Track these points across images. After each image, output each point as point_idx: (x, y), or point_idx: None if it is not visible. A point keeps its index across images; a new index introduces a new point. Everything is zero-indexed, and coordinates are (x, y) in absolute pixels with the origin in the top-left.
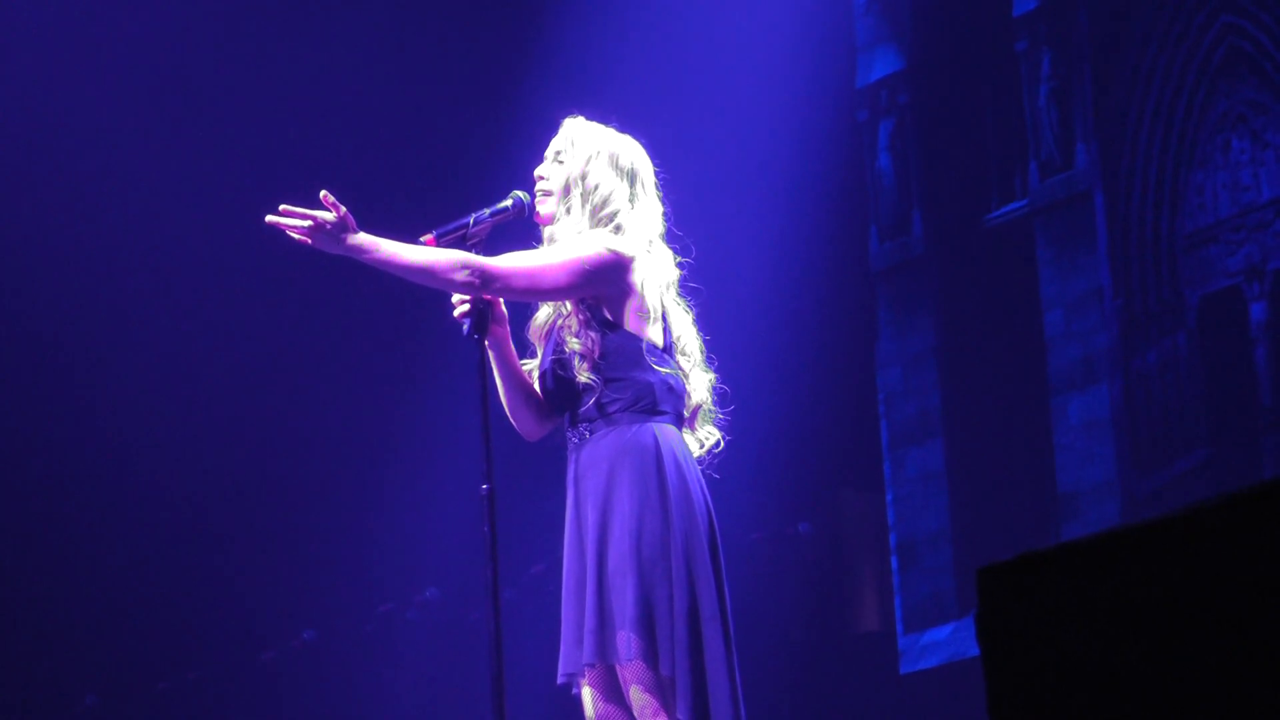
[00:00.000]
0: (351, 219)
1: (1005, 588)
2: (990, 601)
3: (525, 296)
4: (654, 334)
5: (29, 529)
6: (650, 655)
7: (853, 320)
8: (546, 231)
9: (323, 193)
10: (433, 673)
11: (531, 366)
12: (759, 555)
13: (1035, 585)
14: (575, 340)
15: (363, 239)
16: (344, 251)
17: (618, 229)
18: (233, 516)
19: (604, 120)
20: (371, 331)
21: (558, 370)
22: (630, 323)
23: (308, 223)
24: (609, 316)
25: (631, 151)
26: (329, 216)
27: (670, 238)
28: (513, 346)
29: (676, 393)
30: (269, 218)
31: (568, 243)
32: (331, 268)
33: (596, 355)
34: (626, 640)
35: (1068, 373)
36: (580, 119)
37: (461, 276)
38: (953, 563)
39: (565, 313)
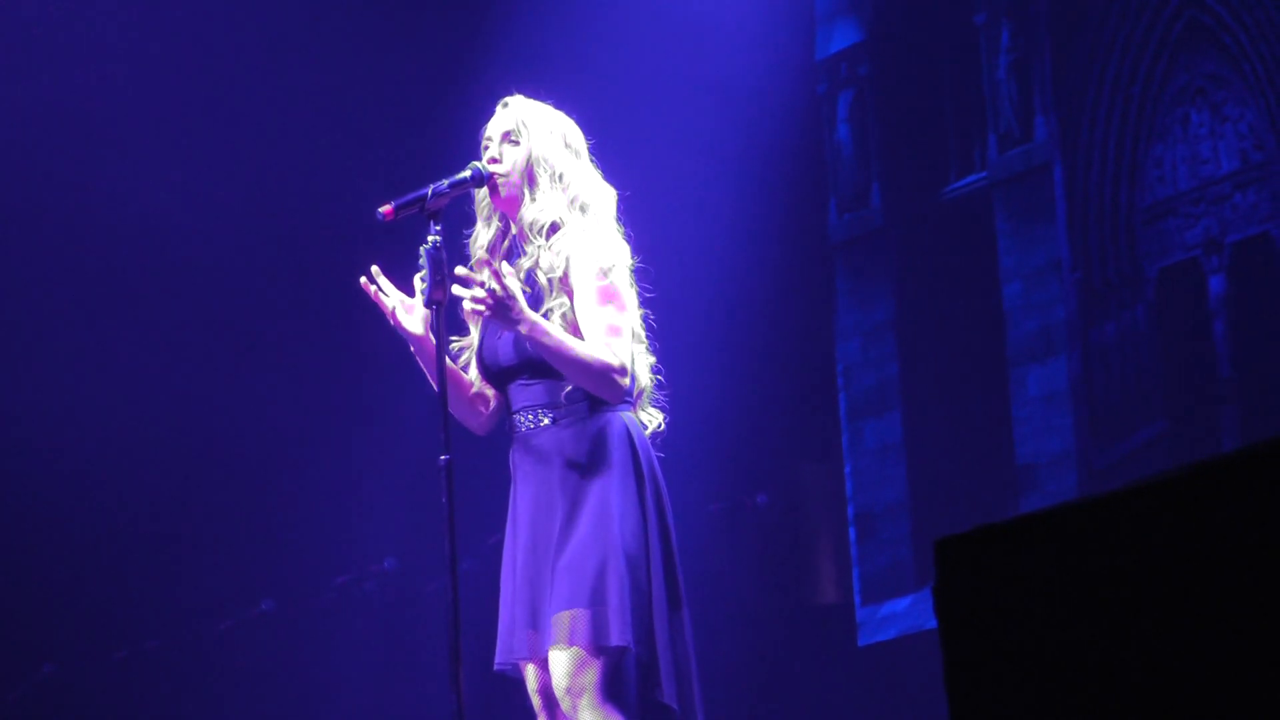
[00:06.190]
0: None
1: (963, 560)
2: (948, 573)
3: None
4: None
5: None
6: (628, 640)
7: (811, 292)
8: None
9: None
10: (390, 643)
11: (464, 343)
12: (716, 526)
13: (993, 557)
14: None
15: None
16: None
17: (584, 209)
18: (190, 486)
19: (545, 95)
20: (329, 301)
21: (518, 350)
22: None
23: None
24: None
25: (574, 129)
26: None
27: (629, 209)
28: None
29: (633, 380)
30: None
31: (602, 283)
32: (286, 241)
33: None
34: (611, 624)
35: (1026, 345)
36: (520, 98)
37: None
38: (911, 534)
39: (551, 304)
